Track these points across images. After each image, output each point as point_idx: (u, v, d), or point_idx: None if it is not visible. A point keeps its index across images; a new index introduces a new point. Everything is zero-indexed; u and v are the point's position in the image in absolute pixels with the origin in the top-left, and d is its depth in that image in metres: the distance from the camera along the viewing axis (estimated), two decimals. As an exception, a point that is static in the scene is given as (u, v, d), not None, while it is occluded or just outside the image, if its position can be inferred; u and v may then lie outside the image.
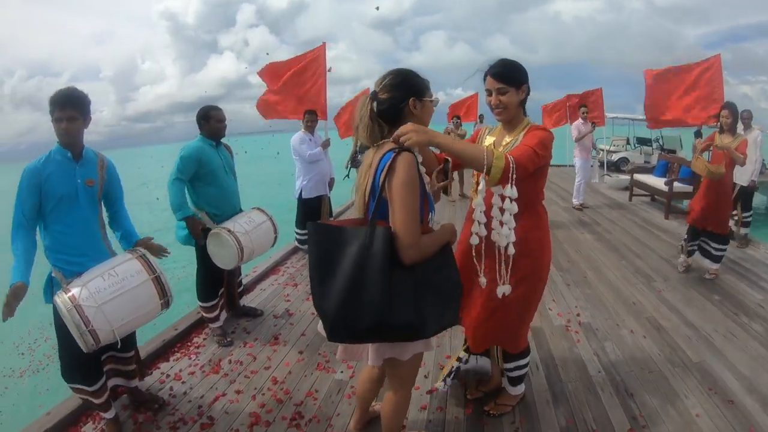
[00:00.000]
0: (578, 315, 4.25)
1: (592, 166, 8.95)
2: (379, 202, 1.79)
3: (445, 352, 3.69)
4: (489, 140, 2.47)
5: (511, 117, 2.31)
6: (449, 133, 8.95)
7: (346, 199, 9.76)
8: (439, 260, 1.86)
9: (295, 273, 5.65)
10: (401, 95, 1.82)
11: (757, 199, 16.44)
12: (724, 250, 5.07)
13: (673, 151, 16.13)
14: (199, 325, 4.23)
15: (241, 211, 3.99)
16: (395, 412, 2.20)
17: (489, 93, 2.26)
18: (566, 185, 11.23)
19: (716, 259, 5.09)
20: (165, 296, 2.63)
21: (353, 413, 2.84)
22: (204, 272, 3.88)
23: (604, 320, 4.15)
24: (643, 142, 17.99)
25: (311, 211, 5.97)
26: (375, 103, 1.82)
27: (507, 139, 2.34)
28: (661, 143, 17.28)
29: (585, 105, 9.15)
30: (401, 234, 1.72)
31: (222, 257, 3.65)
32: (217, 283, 3.98)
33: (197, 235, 3.64)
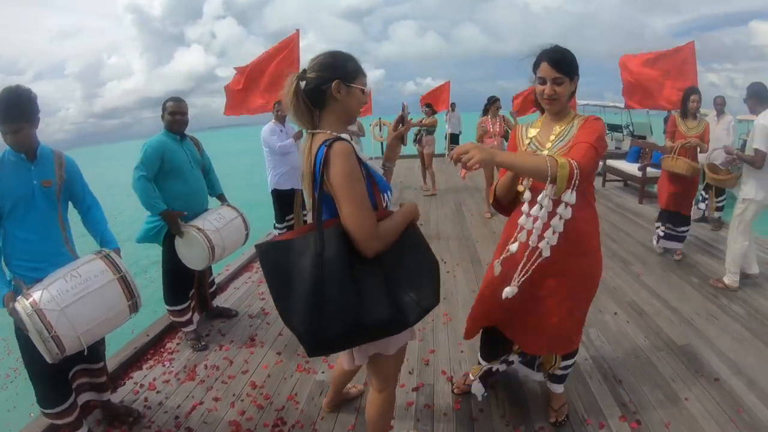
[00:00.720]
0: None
1: None
2: (322, 198, 1.67)
3: (428, 346, 3.60)
4: (532, 132, 2.30)
5: (561, 108, 2.18)
6: (421, 123, 8.91)
7: None
8: (407, 243, 1.75)
9: None
10: (327, 76, 1.67)
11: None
12: (688, 229, 5.28)
13: (644, 137, 16.32)
14: (171, 330, 4.03)
15: (209, 207, 3.81)
16: (382, 413, 2.08)
17: (543, 81, 2.10)
18: None
19: (682, 239, 5.28)
20: (132, 297, 2.50)
21: (327, 393, 2.85)
22: (172, 274, 3.68)
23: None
24: (613, 128, 18.18)
25: (286, 203, 5.79)
26: (303, 83, 1.68)
27: (557, 129, 2.20)
28: (631, 129, 17.61)
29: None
30: (354, 229, 1.59)
31: (192, 258, 3.47)
32: (186, 285, 3.79)
33: (177, 229, 3.42)
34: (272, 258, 1.63)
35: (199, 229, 3.36)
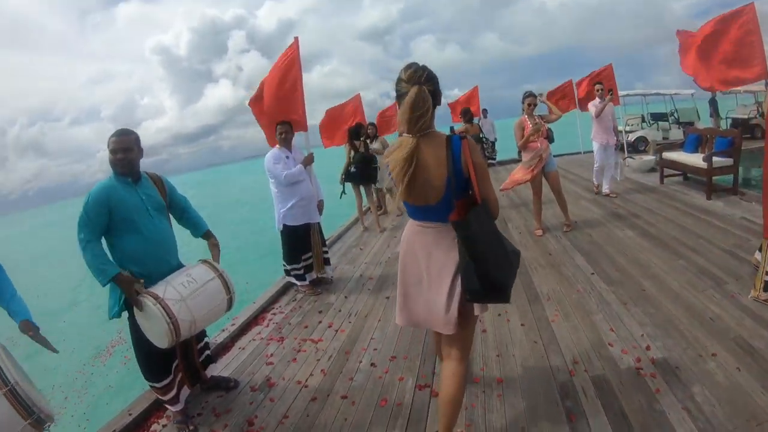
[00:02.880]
0: (648, 348, 3.22)
1: (616, 147, 7.92)
2: (461, 181, 2.07)
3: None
4: None
5: None
6: (466, 132, 8.07)
7: (339, 222, 8.80)
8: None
9: (282, 322, 4.58)
10: (437, 86, 2.08)
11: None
12: None
13: (691, 123, 15.33)
14: (158, 407, 3.30)
15: (180, 266, 3.03)
16: (461, 383, 2.25)
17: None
18: (587, 174, 10.17)
19: None
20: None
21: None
22: (143, 344, 2.87)
23: (682, 351, 3.14)
24: (658, 117, 17.01)
25: (300, 241, 4.97)
26: (420, 93, 2.00)
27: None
28: (676, 116, 16.53)
29: (600, 82, 8.22)
30: (492, 198, 2.10)
31: (153, 333, 2.69)
32: (166, 357, 3.01)
33: (132, 296, 2.66)
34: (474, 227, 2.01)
35: (156, 298, 2.54)
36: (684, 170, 8.27)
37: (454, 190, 2.05)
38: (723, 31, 5.83)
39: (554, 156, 6.13)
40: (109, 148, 2.76)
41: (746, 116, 16.00)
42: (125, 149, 2.76)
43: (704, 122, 16.20)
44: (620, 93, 10.90)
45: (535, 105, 5.83)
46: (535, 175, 5.79)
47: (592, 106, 7.82)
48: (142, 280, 2.69)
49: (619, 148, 8.17)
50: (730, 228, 5.58)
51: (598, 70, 11.10)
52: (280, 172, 4.62)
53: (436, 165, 2.04)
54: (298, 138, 5.12)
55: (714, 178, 7.13)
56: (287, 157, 4.80)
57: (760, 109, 15.82)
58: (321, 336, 4.09)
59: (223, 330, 4.36)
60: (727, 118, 16.94)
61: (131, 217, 2.72)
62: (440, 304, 2.17)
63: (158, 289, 2.63)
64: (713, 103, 16.75)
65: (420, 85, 1.99)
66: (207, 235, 3.30)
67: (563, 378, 3.02)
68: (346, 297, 4.93)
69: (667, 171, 8.63)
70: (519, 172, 5.93)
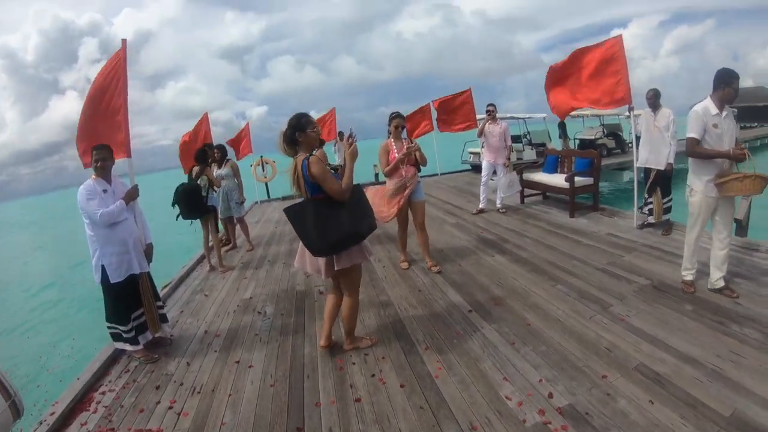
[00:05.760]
0: (550, 396, 2.94)
1: (505, 166, 8.28)
2: (311, 185, 3.30)
3: None
4: None
5: None
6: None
7: (183, 260, 7.75)
8: (354, 199, 3.37)
9: (113, 405, 3.48)
10: (293, 126, 3.36)
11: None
12: None
13: (543, 145, 17.12)
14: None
15: None
16: (351, 311, 3.72)
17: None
18: (446, 195, 10.50)
19: None
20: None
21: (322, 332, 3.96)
22: None
23: (587, 392, 2.93)
24: (512, 139, 18.28)
25: (126, 296, 4.06)
26: (284, 134, 3.40)
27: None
28: (529, 138, 18.03)
29: (492, 104, 8.39)
30: (333, 193, 3.26)
31: None
32: None
33: None
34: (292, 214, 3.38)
35: None
36: (545, 190, 8.74)
37: (310, 190, 3.35)
38: (591, 61, 6.48)
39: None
40: None
41: (593, 137, 18.88)
42: None
43: (555, 143, 18.19)
44: (477, 116, 11.44)
45: (403, 127, 5.42)
46: (401, 207, 5.33)
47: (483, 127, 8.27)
48: None
49: (510, 168, 8.39)
50: (600, 245, 5.80)
51: (456, 95, 11.99)
52: (94, 210, 3.78)
53: (301, 175, 3.34)
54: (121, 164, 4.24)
55: (577, 197, 7.61)
56: (105, 191, 3.93)
57: (605, 131, 19.39)
58: (160, 424, 3.19)
59: (41, 423, 3.31)
60: (575, 139, 19.59)
61: None
62: (313, 257, 3.49)
63: None
64: (562, 125, 19.03)
65: (283, 131, 3.41)
66: None
67: (465, 453, 2.65)
68: (188, 363, 4.03)
69: (527, 191, 9.05)
70: (384, 206, 5.41)
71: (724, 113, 3.88)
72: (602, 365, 3.20)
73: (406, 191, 5.28)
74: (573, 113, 9.75)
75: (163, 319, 4.47)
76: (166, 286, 5.99)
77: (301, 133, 3.35)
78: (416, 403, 3.03)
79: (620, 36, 6.26)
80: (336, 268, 3.42)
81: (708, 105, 3.90)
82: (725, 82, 3.82)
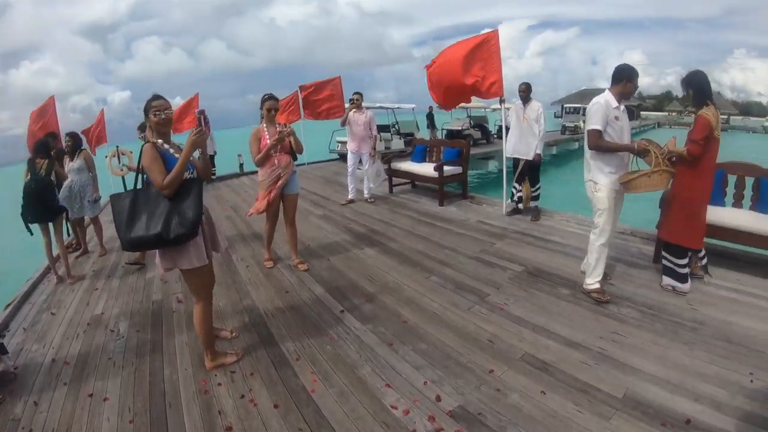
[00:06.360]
0: (438, 399, 2.69)
1: (371, 156, 8.08)
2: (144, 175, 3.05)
3: None
4: None
5: None
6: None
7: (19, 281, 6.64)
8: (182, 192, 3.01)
9: None
10: (144, 114, 3.14)
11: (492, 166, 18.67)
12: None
13: (411, 134, 17.71)
14: None
15: None
16: (199, 320, 3.28)
17: None
18: (316, 187, 10.19)
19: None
20: None
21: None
22: None
23: (476, 390, 2.72)
24: (381, 129, 18.68)
25: None
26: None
27: None
28: (397, 128, 18.40)
29: (358, 93, 8.04)
30: (158, 186, 2.90)
31: None
32: None
33: None
34: (126, 200, 2.99)
35: None
36: (413, 179, 8.78)
37: (146, 180, 3.06)
38: (468, 54, 6.43)
39: None
40: None
41: (460, 128, 20.06)
42: None
43: (423, 133, 19.06)
44: (346, 105, 11.34)
45: (277, 110, 4.87)
46: (273, 199, 4.80)
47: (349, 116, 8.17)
48: None
49: (378, 157, 8.31)
50: (471, 233, 5.77)
51: (326, 80, 12.30)
52: None
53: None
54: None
55: (446, 185, 7.75)
56: None
57: (471, 122, 20.87)
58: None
59: None
60: (443, 129, 20.66)
61: None
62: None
63: None
64: (430, 116, 20.15)
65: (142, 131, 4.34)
66: None
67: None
68: (36, 403, 3.19)
69: (396, 180, 9.02)
70: (259, 198, 4.88)
71: (622, 107, 3.86)
72: (487, 359, 3.03)
73: (279, 182, 4.78)
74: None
75: (2, 350, 3.67)
76: (9, 306, 4.98)
77: (146, 118, 3.15)
78: (294, 425, 2.60)
79: (497, 30, 6.42)
80: (162, 269, 3.12)
81: (609, 98, 3.83)
82: (627, 77, 3.79)
